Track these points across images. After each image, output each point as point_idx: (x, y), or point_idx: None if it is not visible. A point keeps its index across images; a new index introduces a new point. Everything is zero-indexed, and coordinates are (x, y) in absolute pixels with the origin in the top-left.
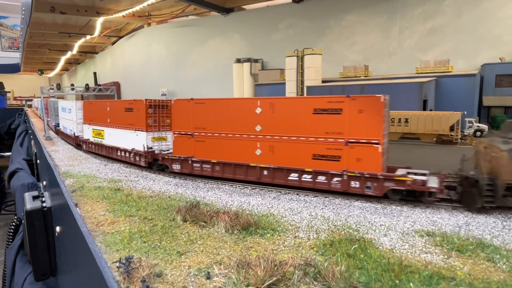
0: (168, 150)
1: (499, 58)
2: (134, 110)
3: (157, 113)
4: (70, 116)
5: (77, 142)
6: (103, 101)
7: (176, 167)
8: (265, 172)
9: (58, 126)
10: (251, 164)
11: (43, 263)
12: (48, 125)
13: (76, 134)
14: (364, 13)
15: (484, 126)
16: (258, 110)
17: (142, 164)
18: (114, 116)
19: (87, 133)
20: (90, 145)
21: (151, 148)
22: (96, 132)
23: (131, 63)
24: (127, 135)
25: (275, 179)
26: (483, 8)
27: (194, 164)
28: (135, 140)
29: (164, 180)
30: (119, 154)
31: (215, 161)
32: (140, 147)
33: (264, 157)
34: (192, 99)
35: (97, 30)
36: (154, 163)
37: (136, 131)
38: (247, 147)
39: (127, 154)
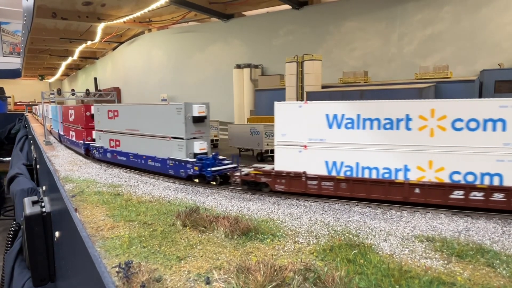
0: None
1: (498, 64)
2: None
3: None
4: None
5: None
6: None
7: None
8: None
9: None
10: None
11: (42, 268)
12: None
13: None
14: (364, 19)
15: None
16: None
17: None
18: None
19: None
20: None
21: None
22: None
23: (132, 69)
24: None
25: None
26: (482, 15)
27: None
28: None
29: (164, 185)
30: None
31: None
32: None
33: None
34: None
35: (98, 35)
36: None
37: None
38: None
39: None
